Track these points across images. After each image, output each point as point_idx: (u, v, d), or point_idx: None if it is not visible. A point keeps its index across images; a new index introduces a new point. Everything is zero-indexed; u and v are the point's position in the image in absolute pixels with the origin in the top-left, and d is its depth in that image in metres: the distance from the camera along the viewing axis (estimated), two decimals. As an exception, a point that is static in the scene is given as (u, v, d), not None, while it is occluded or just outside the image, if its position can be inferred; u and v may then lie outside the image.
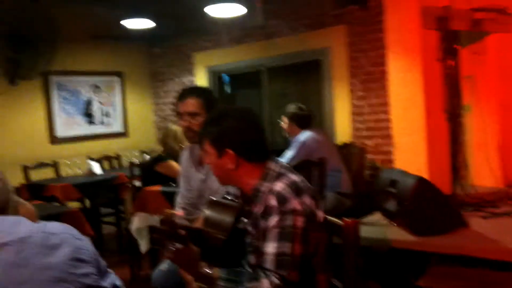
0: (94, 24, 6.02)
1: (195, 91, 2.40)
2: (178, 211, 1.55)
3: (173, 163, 3.96)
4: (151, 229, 1.42)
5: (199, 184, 2.41)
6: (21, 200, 2.58)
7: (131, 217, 3.86)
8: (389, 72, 3.57)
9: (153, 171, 4.00)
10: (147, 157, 5.41)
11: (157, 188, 3.70)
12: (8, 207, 2.12)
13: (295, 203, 1.44)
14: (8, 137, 5.44)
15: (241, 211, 1.63)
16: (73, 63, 6.07)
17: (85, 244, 0.88)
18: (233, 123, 1.60)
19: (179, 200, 2.57)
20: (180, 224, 1.45)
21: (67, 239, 0.84)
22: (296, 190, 1.48)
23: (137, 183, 4.71)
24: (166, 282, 2.29)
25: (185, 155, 2.59)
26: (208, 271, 1.43)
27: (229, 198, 1.76)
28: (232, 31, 5.86)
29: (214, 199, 1.74)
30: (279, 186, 1.49)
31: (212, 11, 4.18)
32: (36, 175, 5.24)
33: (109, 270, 0.93)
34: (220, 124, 1.61)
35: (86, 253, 0.86)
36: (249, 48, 5.79)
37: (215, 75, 6.30)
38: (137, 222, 3.73)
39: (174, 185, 3.65)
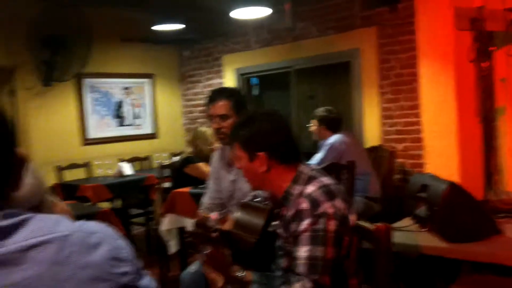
0: (126, 27, 6.14)
1: (224, 93, 2.42)
2: (213, 214, 1.56)
3: (202, 165, 4.00)
4: (187, 233, 1.44)
5: (229, 185, 2.43)
6: (56, 200, 2.65)
7: (161, 218, 3.91)
8: (420, 75, 3.52)
9: (182, 172, 4.05)
10: (176, 159, 5.48)
11: (187, 190, 3.74)
12: (43, 206, 2.17)
13: (327, 207, 1.44)
14: (42, 138, 5.58)
15: (271, 214, 1.63)
16: (105, 66, 6.19)
17: (123, 244, 0.89)
18: (263, 126, 1.62)
19: (206, 200, 2.60)
20: (213, 227, 1.46)
21: (106, 238, 0.85)
22: (328, 193, 1.48)
23: (167, 185, 4.78)
24: (195, 283, 2.31)
25: (215, 156, 2.61)
26: (240, 274, 1.44)
27: (259, 200, 1.77)
28: (260, 33, 5.88)
29: (245, 201, 1.75)
30: (310, 189, 1.49)
31: (240, 14, 4.21)
32: (69, 176, 5.37)
33: (144, 270, 0.93)
34: (250, 127, 1.62)
35: (124, 252, 0.87)
36: (277, 50, 5.80)
37: (243, 77, 6.33)
38: (167, 223, 3.77)
39: (203, 187, 3.69)
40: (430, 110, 3.38)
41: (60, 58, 5.56)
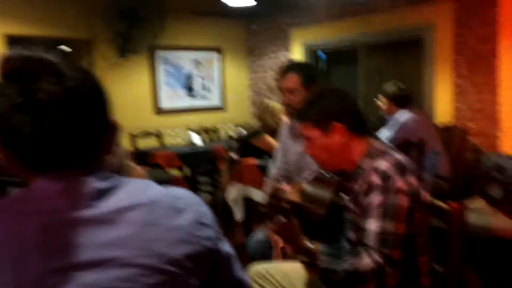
0: (196, 1, 6.24)
1: (294, 67, 2.43)
2: (286, 186, 1.61)
3: (269, 138, 4.07)
4: (258, 203, 1.49)
5: (297, 158, 2.47)
6: (134, 165, 2.82)
7: (227, 187, 4.05)
8: (500, 50, 3.34)
9: (249, 144, 4.14)
10: (243, 131, 5.59)
11: (253, 161, 3.83)
12: (123, 170, 2.33)
13: (399, 182, 1.44)
14: (118, 107, 5.81)
15: (340, 187, 1.66)
16: (177, 39, 6.36)
17: (206, 210, 0.93)
18: (333, 99, 1.64)
19: (273, 171, 2.66)
20: (286, 198, 1.52)
21: (191, 204, 0.90)
22: (401, 169, 1.47)
23: (234, 155, 4.91)
24: (260, 250, 2.40)
25: (284, 130, 2.66)
26: (309, 245, 1.48)
27: (327, 174, 1.80)
28: (330, 6, 5.77)
29: (314, 175, 1.79)
30: (383, 164, 1.49)
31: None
32: (142, 144, 5.65)
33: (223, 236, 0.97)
34: (320, 103, 1.64)
35: (207, 218, 0.92)
36: (347, 24, 5.68)
37: (311, 51, 6.28)
38: (233, 192, 3.90)
39: (269, 158, 3.76)
40: (510, 88, 3.22)
41: (135, 30, 5.78)
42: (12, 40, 5.20)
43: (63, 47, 5.92)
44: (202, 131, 6.09)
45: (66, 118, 0.77)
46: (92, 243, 0.77)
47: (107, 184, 0.83)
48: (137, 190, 0.86)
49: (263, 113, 4.18)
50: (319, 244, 1.50)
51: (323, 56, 6.43)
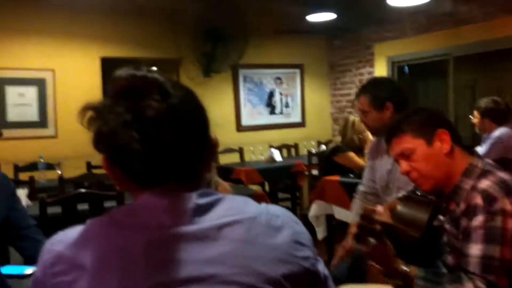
0: (278, 20, 6.33)
1: (364, 88, 2.43)
2: (379, 207, 1.54)
3: (352, 154, 3.98)
4: (358, 226, 1.43)
5: (385, 175, 2.39)
6: (221, 180, 2.88)
7: (309, 204, 4.00)
8: None
9: (331, 161, 4.08)
10: (324, 147, 5.52)
11: (336, 178, 3.76)
12: (211, 185, 2.37)
13: (504, 203, 1.33)
14: (202, 124, 6.04)
15: (436, 208, 1.57)
16: (259, 57, 6.48)
17: (303, 228, 0.90)
18: (430, 111, 1.58)
19: (361, 189, 2.60)
20: (377, 220, 1.45)
21: (287, 222, 0.87)
22: (506, 188, 1.36)
23: (314, 172, 4.86)
24: (347, 272, 2.33)
25: (371, 146, 2.59)
26: (405, 268, 1.40)
27: (421, 194, 1.70)
28: (416, 19, 5.59)
29: (406, 194, 1.70)
30: (485, 184, 1.38)
31: (397, 1, 4.04)
32: (224, 159, 5.77)
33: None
34: (419, 114, 1.58)
35: (304, 237, 0.89)
36: (434, 37, 5.46)
37: (395, 65, 6.10)
38: (315, 210, 3.84)
39: (352, 176, 3.68)
40: None
41: (219, 50, 5.97)
42: (106, 62, 5.58)
43: (153, 68, 6.24)
44: (282, 147, 6.11)
45: (171, 135, 0.79)
46: (194, 259, 0.77)
47: (207, 200, 0.83)
48: (235, 206, 0.85)
49: (347, 130, 4.11)
50: (415, 268, 1.41)
51: (406, 69, 6.23)
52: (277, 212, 0.89)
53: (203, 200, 0.83)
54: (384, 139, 2.36)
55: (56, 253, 0.79)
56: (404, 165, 1.55)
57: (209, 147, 0.88)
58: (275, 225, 0.85)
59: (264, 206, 0.89)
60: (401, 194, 2.16)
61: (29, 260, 1.76)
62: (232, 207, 0.84)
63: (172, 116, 0.79)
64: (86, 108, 0.80)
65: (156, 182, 0.82)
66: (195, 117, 0.85)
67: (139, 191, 0.83)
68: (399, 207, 1.59)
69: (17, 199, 2.04)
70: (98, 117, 0.79)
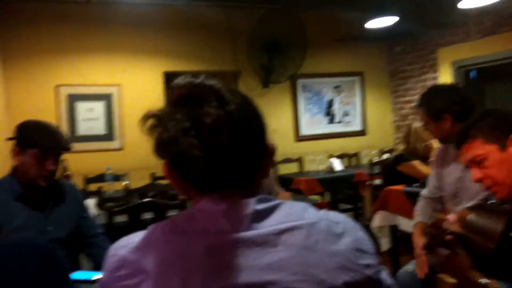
0: (338, 27, 6.28)
1: (421, 100, 2.36)
2: (450, 216, 1.47)
3: (416, 163, 3.84)
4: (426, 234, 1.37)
5: (454, 183, 2.28)
6: (281, 189, 2.88)
7: (372, 215, 3.89)
8: None
9: (395, 170, 3.95)
10: (386, 156, 5.38)
11: (400, 187, 3.64)
12: (272, 193, 2.38)
13: None
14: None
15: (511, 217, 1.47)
16: (318, 66, 6.44)
17: (365, 235, 0.88)
18: (500, 113, 1.49)
19: (424, 193, 2.51)
20: (449, 229, 1.38)
21: (349, 229, 0.86)
22: None
23: (377, 182, 4.74)
24: (411, 283, 2.24)
25: (437, 153, 2.50)
26: (486, 280, 1.32)
27: (494, 203, 1.60)
28: (482, 21, 5.34)
29: (479, 203, 1.61)
30: None
31: (466, 3, 3.88)
32: (283, 169, 5.76)
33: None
34: (489, 117, 1.49)
35: (366, 244, 0.87)
36: (502, 39, 5.18)
37: (461, 70, 5.85)
38: (378, 220, 3.73)
39: (417, 185, 3.54)
40: None
41: (277, 61, 6.00)
42: (168, 76, 5.77)
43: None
44: (342, 156, 6.01)
45: (229, 141, 0.79)
46: (253, 265, 0.77)
47: (265, 206, 0.83)
48: (294, 212, 0.84)
49: (411, 137, 3.97)
50: (496, 281, 1.31)
51: (474, 73, 5.95)
52: (338, 218, 0.87)
53: (261, 206, 0.82)
54: (453, 146, 2.28)
55: (120, 258, 0.81)
56: (477, 172, 1.48)
57: (266, 153, 0.89)
58: (336, 232, 0.83)
59: (323, 212, 0.87)
60: (471, 203, 2.06)
61: (98, 266, 1.83)
62: (291, 213, 0.84)
63: (229, 123, 0.80)
64: (148, 116, 0.83)
65: (215, 188, 0.83)
66: (252, 123, 0.86)
67: (198, 197, 0.84)
68: (471, 216, 1.50)
69: (85, 208, 2.14)
70: (158, 124, 0.81)
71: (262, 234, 0.79)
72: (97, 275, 1.64)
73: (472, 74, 5.95)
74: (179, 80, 0.84)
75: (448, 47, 5.93)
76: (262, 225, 0.80)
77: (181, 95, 0.82)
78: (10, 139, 1.87)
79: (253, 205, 0.82)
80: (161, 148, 0.81)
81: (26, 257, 0.94)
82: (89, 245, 2.03)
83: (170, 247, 0.79)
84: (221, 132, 0.79)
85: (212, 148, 0.78)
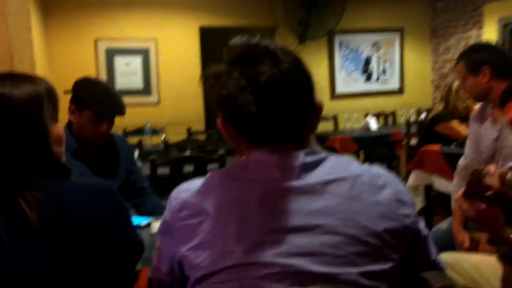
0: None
1: (461, 55, 2.31)
2: (492, 167, 1.47)
3: (455, 124, 3.78)
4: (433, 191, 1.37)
5: (491, 144, 2.26)
6: (318, 146, 2.91)
7: (407, 174, 3.89)
8: None
9: (432, 130, 3.91)
10: (423, 115, 5.29)
11: (437, 147, 3.61)
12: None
13: None
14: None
15: None
16: (356, 21, 6.29)
17: (404, 188, 0.94)
18: None
19: (462, 162, 2.48)
20: (488, 181, 1.38)
21: (390, 182, 0.92)
22: None
23: (413, 141, 4.69)
24: (445, 241, 2.26)
25: (474, 115, 2.46)
26: None
27: None
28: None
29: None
30: None
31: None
32: (318, 128, 5.75)
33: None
34: None
35: (406, 196, 0.93)
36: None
37: (508, 28, 5.60)
38: (413, 180, 3.73)
39: (454, 145, 3.50)
40: None
41: (315, 16, 5.89)
42: (204, 31, 5.76)
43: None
44: (378, 115, 5.94)
45: (283, 98, 0.85)
46: (302, 210, 0.84)
47: (313, 158, 0.89)
48: (340, 165, 0.90)
49: (451, 97, 3.89)
50: None
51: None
52: (380, 172, 0.93)
53: (309, 158, 0.89)
54: (490, 106, 2.24)
55: (183, 200, 0.91)
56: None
57: (315, 110, 0.94)
58: (378, 184, 0.90)
59: (367, 166, 0.93)
60: (509, 163, 2.05)
61: (144, 215, 1.93)
62: (337, 165, 0.90)
63: (282, 80, 0.85)
64: (207, 74, 0.89)
65: (267, 141, 0.89)
66: (303, 81, 0.91)
67: (250, 148, 0.91)
68: (510, 175, 1.50)
69: (135, 162, 2.24)
70: (217, 82, 0.87)
71: (311, 184, 0.86)
72: (144, 222, 1.74)
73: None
74: (235, 40, 0.89)
75: (495, 2, 5.66)
76: (310, 176, 0.87)
77: (238, 54, 0.87)
78: (69, 92, 1.92)
79: (302, 157, 0.88)
80: (221, 103, 0.88)
81: (99, 198, 1.02)
82: (137, 196, 2.13)
83: (227, 192, 0.88)
84: (274, 89, 0.84)
85: (266, 104, 0.84)
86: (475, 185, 1.29)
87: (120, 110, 1.95)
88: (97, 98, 1.89)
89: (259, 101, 0.84)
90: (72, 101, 1.90)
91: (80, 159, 1.93)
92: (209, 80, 0.89)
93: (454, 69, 2.36)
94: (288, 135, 0.90)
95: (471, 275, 1.66)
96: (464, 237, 2.12)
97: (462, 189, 1.31)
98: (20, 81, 1.01)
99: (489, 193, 1.31)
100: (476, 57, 2.23)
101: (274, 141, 0.89)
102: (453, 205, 2.44)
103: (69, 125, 1.95)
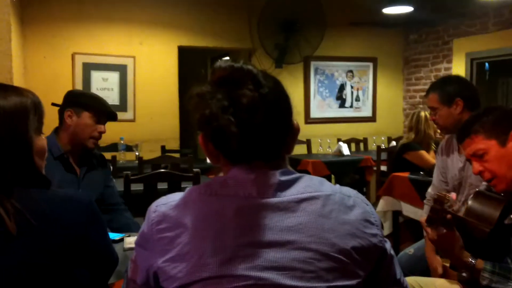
0: (354, 11, 6.26)
1: (433, 85, 2.40)
2: (452, 194, 1.55)
3: (423, 153, 3.90)
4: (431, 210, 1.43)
5: (458, 174, 2.35)
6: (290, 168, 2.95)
7: (376, 200, 3.97)
8: None
9: (401, 158, 4.02)
10: (394, 143, 5.43)
11: (405, 174, 3.72)
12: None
13: None
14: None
15: (508, 206, 1.55)
16: (332, 49, 6.44)
17: (372, 209, 1.00)
18: (503, 110, 1.56)
19: (430, 191, 2.56)
20: (449, 208, 1.46)
21: (358, 202, 0.97)
22: None
23: (383, 168, 4.80)
24: (411, 266, 2.32)
25: (442, 145, 2.55)
26: (472, 260, 1.41)
27: (494, 191, 1.68)
28: (501, 14, 5.32)
29: (479, 190, 1.69)
30: None
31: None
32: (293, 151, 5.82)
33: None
34: (492, 114, 1.55)
35: (373, 216, 0.98)
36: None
37: (474, 62, 5.85)
38: (382, 205, 3.82)
39: (422, 173, 3.61)
40: None
41: (292, 42, 6.02)
42: (183, 50, 5.81)
43: (226, 58, 6.42)
44: (351, 141, 6.06)
45: (262, 120, 0.90)
46: (276, 226, 0.89)
47: (288, 177, 0.94)
48: (313, 184, 0.95)
49: (420, 125, 4.02)
50: (482, 261, 1.41)
51: (487, 66, 5.96)
52: (350, 192, 0.99)
53: (285, 177, 0.94)
54: (456, 139, 2.34)
55: (162, 213, 0.94)
56: (477, 165, 1.56)
57: (292, 131, 0.99)
58: (348, 204, 0.95)
59: (338, 186, 0.99)
60: (473, 191, 2.14)
61: (118, 230, 1.94)
62: (310, 185, 0.95)
63: (263, 103, 0.90)
64: (192, 94, 0.93)
65: (246, 160, 0.94)
66: (282, 104, 0.96)
67: (229, 165, 0.95)
68: (470, 202, 1.59)
69: (111, 178, 2.26)
70: (201, 101, 0.91)
71: (285, 201, 0.91)
72: (119, 237, 1.75)
73: (486, 67, 5.95)
74: (220, 63, 0.93)
75: (463, 38, 5.92)
76: (285, 194, 0.92)
77: (222, 76, 0.91)
78: (56, 104, 2.08)
79: (278, 176, 0.93)
80: (203, 122, 0.91)
81: (77, 208, 1.04)
82: (111, 211, 2.14)
83: (205, 207, 0.91)
84: (255, 112, 0.89)
85: (246, 125, 0.89)
86: (437, 211, 1.36)
87: (115, 114, 2.16)
88: (95, 102, 2.10)
89: (240, 122, 0.88)
90: (69, 106, 2.06)
91: (62, 164, 2.03)
92: (193, 98, 0.92)
93: (425, 99, 2.43)
94: (266, 155, 0.94)
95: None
96: (437, 263, 2.16)
97: (425, 215, 1.37)
98: (7, 92, 1.03)
99: (448, 216, 1.38)
100: (450, 88, 2.30)
101: (252, 160, 0.93)
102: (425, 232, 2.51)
103: (56, 133, 2.08)
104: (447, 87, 2.32)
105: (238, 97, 0.88)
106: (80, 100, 2.08)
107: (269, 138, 0.93)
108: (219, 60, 0.95)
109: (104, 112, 2.11)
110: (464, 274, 1.42)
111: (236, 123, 0.88)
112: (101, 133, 2.10)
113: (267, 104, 0.90)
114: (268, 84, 0.92)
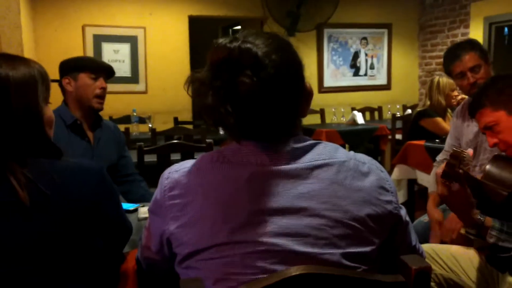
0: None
1: (467, 46, 2.30)
2: (469, 150, 1.52)
3: (439, 120, 3.84)
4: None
5: (473, 138, 2.31)
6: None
7: (391, 168, 3.94)
8: None
9: (417, 125, 3.96)
10: (409, 111, 5.35)
11: (421, 142, 3.67)
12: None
13: None
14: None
15: None
16: (345, 16, 6.31)
17: (388, 176, 0.98)
18: (507, 78, 1.53)
19: (440, 157, 2.53)
20: (466, 164, 1.43)
21: (373, 169, 0.96)
22: None
23: (398, 136, 4.75)
24: (426, 233, 2.32)
25: (457, 111, 2.50)
26: (480, 217, 1.39)
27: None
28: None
29: (498, 154, 1.65)
30: None
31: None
32: (305, 120, 5.77)
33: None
34: (502, 81, 1.53)
35: (388, 183, 0.97)
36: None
37: (493, 26, 5.68)
38: (397, 174, 3.79)
39: (438, 141, 3.57)
40: None
41: (304, 9, 5.89)
42: (193, 20, 5.73)
43: (238, 27, 6.32)
44: (365, 110, 5.99)
45: (263, 107, 0.87)
46: (288, 193, 0.88)
47: (302, 144, 0.93)
48: (327, 151, 0.94)
49: (432, 92, 3.94)
50: (491, 219, 1.39)
51: (506, 32, 5.78)
52: (365, 159, 0.97)
53: (298, 145, 0.92)
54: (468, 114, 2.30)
55: (174, 180, 0.94)
56: (491, 138, 1.55)
57: (304, 95, 0.96)
58: (362, 170, 0.94)
59: (352, 153, 0.97)
60: (487, 156, 2.12)
61: (133, 201, 1.95)
62: (324, 152, 0.93)
63: (263, 89, 0.85)
64: (192, 79, 0.91)
65: (254, 139, 0.92)
66: (288, 83, 0.90)
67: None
68: (488, 166, 1.56)
69: (126, 149, 2.27)
70: (201, 88, 0.88)
71: (298, 168, 0.90)
72: (134, 207, 1.76)
73: (505, 31, 5.78)
74: (220, 41, 0.89)
75: (481, 1, 5.74)
76: (298, 161, 0.91)
77: (220, 59, 0.87)
78: (55, 80, 2.02)
79: (292, 144, 0.92)
80: (203, 112, 0.90)
81: (89, 178, 1.04)
82: (126, 182, 2.16)
83: (218, 174, 0.91)
84: (253, 101, 0.86)
85: (246, 114, 0.87)
86: (452, 166, 1.33)
87: (109, 66, 2.17)
88: (86, 61, 2.15)
89: (238, 112, 0.86)
90: (65, 74, 2.08)
91: (75, 133, 2.05)
92: (194, 83, 0.91)
93: (461, 61, 2.27)
94: (277, 127, 0.91)
95: (449, 265, 1.72)
96: (437, 215, 2.20)
97: (442, 166, 1.35)
98: (15, 63, 1.02)
99: (460, 171, 1.35)
100: (484, 49, 2.29)
101: (259, 139, 0.92)
102: (430, 189, 2.50)
103: (65, 103, 2.10)
104: (482, 47, 2.29)
105: (236, 86, 0.85)
106: (72, 65, 2.10)
107: (274, 120, 0.90)
108: (220, 37, 0.91)
109: (99, 67, 2.12)
110: (470, 231, 1.40)
111: (235, 113, 0.86)
112: (103, 88, 2.11)
113: (269, 88, 0.86)
114: (272, 62, 0.86)
